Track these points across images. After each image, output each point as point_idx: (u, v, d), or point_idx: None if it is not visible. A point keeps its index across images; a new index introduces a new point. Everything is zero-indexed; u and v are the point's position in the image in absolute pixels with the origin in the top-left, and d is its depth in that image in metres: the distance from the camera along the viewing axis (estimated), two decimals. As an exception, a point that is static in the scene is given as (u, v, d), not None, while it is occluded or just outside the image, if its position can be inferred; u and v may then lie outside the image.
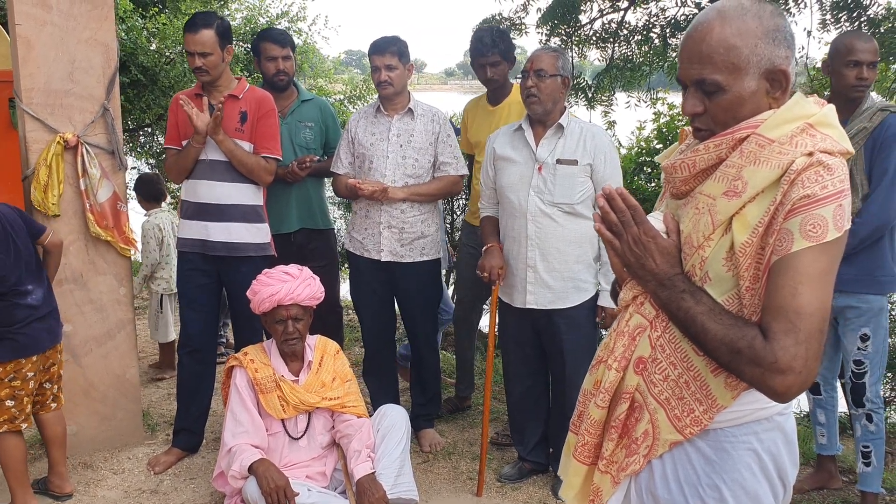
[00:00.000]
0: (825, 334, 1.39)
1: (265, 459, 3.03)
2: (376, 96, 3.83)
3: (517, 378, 3.61)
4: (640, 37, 6.06)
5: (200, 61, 3.46)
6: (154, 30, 7.00)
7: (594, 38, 6.26)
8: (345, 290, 5.14)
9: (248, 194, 3.62)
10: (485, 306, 4.67)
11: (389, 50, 3.67)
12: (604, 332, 3.47)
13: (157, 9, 7.15)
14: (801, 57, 5.47)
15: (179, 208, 3.79)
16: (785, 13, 5.06)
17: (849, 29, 4.93)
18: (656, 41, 5.91)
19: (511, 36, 4.11)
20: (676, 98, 5.46)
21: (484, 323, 4.83)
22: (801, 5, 5.22)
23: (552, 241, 3.28)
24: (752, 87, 1.47)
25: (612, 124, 5.89)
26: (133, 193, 5.16)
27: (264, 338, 3.58)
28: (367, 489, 3.00)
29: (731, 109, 1.49)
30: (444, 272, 4.37)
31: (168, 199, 5.19)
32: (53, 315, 3.21)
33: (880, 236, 3.12)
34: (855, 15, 4.95)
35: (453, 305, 4.46)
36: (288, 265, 3.24)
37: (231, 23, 7.66)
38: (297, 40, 8.39)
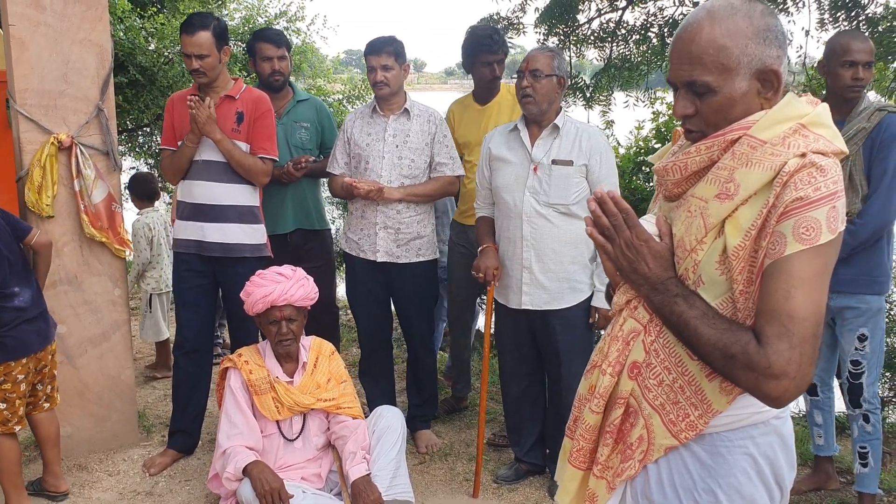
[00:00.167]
0: (819, 338, 1.38)
1: (259, 461, 3.02)
2: (373, 96, 3.82)
3: (513, 379, 3.60)
4: (638, 36, 6.05)
5: (198, 63, 3.44)
6: (152, 29, 6.98)
7: (592, 37, 6.25)
8: (343, 290, 5.13)
9: (244, 195, 3.60)
10: (480, 307, 4.66)
11: (385, 50, 3.65)
12: (602, 332, 3.46)
13: (155, 8, 7.12)
14: (800, 56, 5.46)
15: (174, 209, 3.78)
16: (782, 12, 5.07)
17: (847, 28, 4.92)
18: (654, 40, 5.90)
19: (508, 35, 4.10)
20: (675, 98, 5.44)
21: (480, 323, 4.83)
22: (800, 4, 5.21)
23: (547, 241, 3.26)
24: (743, 88, 1.46)
25: (610, 124, 5.87)
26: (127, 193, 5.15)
27: (260, 339, 3.57)
28: (363, 491, 2.99)
29: (723, 111, 1.47)
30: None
31: (168, 199, 5.19)
32: (43, 317, 3.18)
33: (880, 237, 3.11)
34: (853, 14, 4.93)
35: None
36: (282, 266, 3.23)
37: (230, 23, 7.68)
38: (295, 40, 8.40)
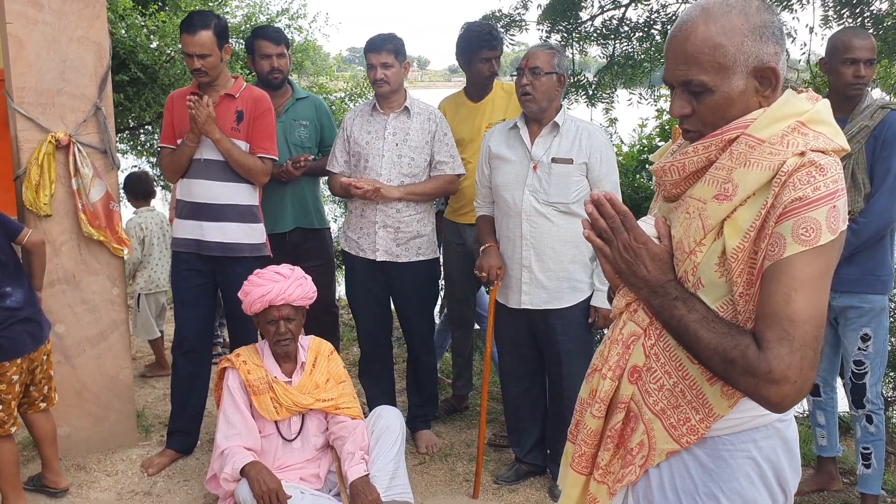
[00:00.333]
0: (821, 341, 1.35)
1: (257, 462, 3.01)
2: (373, 94, 3.80)
3: (514, 379, 3.58)
4: (641, 33, 6.03)
5: (199, 63, 3.41)
6: (154, 27, 6.97)
7: (595, 34, 6.23)
8: (343, 289, 5.11)
9: (243, 194, 3.58)
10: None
11: (385, 48, 3.63)
12: (602, 332, 3.43)
13: (156, 6, 7.11)
14: (804, 53, 5.43)
15: (172, 208, 3.76)
16: (786, 9, 5.04)
17: (851, 25, 4.88)
18: (657, 38, 5.87)
19: (510, 32, 4.07)
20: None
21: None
22: (805, 1, 5.18)
23: (547, 240, 3.24)
24: (740, 87, 1.43)
25: (613, 122, 5.85)
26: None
27: (259, 338, 3.55)
28: (361, 491, 2.97)
29: (720, 110, 1.44)
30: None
31: (167, 198, 5.18)
32: (36, 317, 3.15)
33: (883, 236, 3.09)
34: (858, 11, 4.90)
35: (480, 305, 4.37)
36: (280, 265, 3.21)
37: (231, 20, 7.67)
38: (297, 38, 8.39)
